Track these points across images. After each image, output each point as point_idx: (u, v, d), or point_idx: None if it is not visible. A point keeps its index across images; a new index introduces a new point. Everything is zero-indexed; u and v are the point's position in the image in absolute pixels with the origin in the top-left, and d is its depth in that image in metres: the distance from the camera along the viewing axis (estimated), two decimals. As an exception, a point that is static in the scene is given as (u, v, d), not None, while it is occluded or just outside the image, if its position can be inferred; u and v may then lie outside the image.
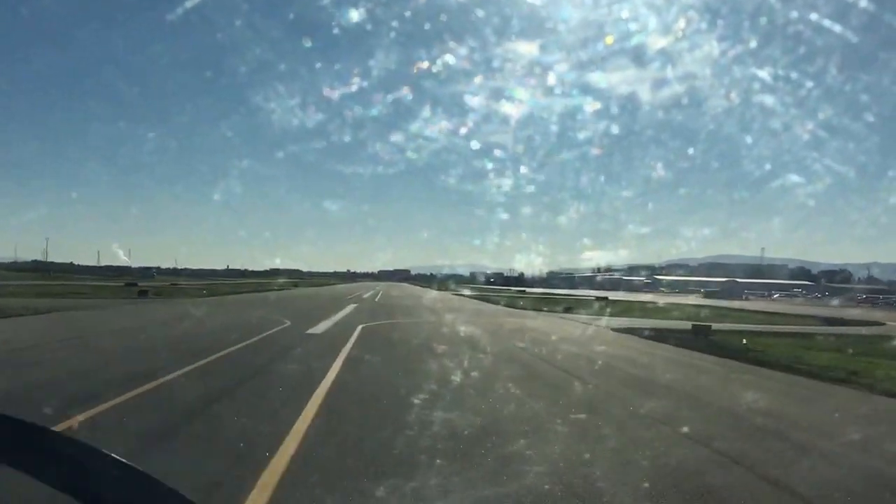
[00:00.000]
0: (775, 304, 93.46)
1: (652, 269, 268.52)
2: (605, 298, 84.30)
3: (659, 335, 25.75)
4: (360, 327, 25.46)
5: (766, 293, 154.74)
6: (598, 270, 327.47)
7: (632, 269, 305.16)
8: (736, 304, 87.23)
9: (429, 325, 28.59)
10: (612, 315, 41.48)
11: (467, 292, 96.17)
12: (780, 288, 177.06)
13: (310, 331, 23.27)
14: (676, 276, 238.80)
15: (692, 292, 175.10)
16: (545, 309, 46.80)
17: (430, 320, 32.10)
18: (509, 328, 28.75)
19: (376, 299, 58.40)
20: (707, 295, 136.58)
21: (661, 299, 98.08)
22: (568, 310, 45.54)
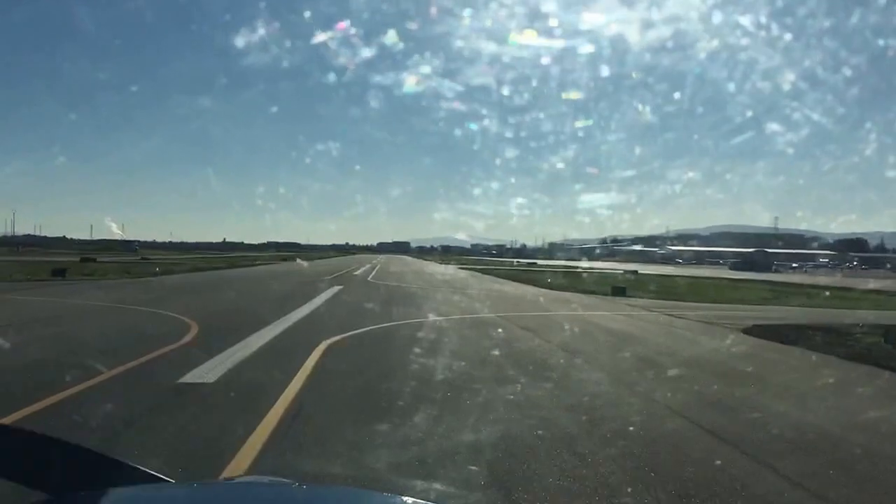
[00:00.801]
0: (828, 279, 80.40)
1: (663, 240, 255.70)
2: (635, 272, 72.11)
3: (826, 342, 15.08)
4: (321, 347, 12.60)
5: (797, 265, 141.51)
6: (605, 242, 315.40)
7: (638, 240, 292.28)
8: (791, 278, 74.54)
9: (470, 333, 15.81)
10: (683, 300, 29.78)
11: (479, 267, 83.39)
12: (803, 258, 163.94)
13: (199, 372, 10.10)
14: (687, 246, 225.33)
15: (711, 264, 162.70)
16: (595, 291, 34.04)
17: (463, 319, 19.41)
18: (609, 340, 15.88)
19: (370, 278, 45.62)
20: (733, 267, 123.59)
21: (694, 272, 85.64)
22: (619, 292, 32.93)
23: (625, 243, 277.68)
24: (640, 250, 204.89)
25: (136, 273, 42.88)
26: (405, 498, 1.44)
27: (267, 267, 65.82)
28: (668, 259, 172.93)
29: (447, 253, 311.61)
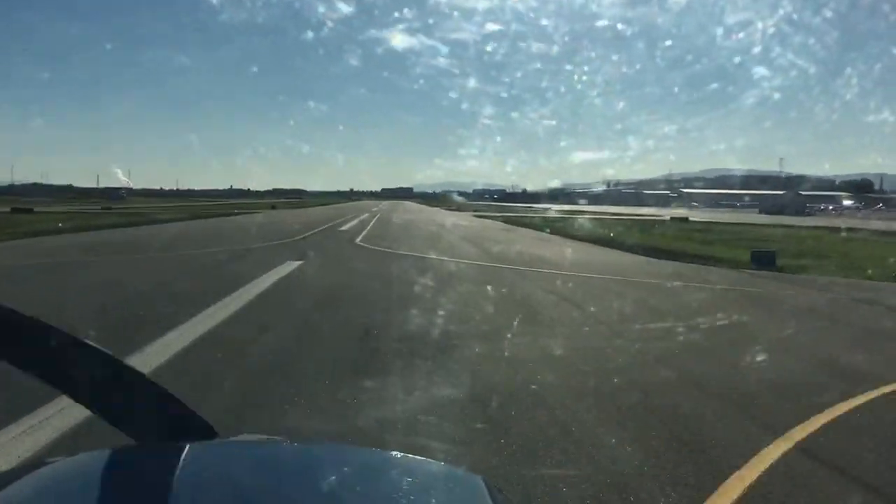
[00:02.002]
0: (884, 222, 65.56)
1: (668, 184, 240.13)
2: (686, 219, 58.32)
3: None
4: None
5: (827, 207, 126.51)
6: (609, 185, 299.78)
7: (640, 185, 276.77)
8: (851, 221, 60.06)
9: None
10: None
11: (500, 216, 68.83)
12: (823, 201, 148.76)
13: None
14: (697, 188, 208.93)
15: (729, 207, 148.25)
16: (728, 260, 19.94)
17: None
18: None
19: (359, 239, 30.29)
20: (764, 211, 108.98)
21: (738, 217, 71.48)
22: (766, 261, 18.98)
23: (628, 187, 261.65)
24: (651, 194, 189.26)
25: (28, 231, 28.57)
26: (395, 453, 1.41)
27: (235, 219, 50.06)
28: (682, 202, 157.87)
29: (449, 197, 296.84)
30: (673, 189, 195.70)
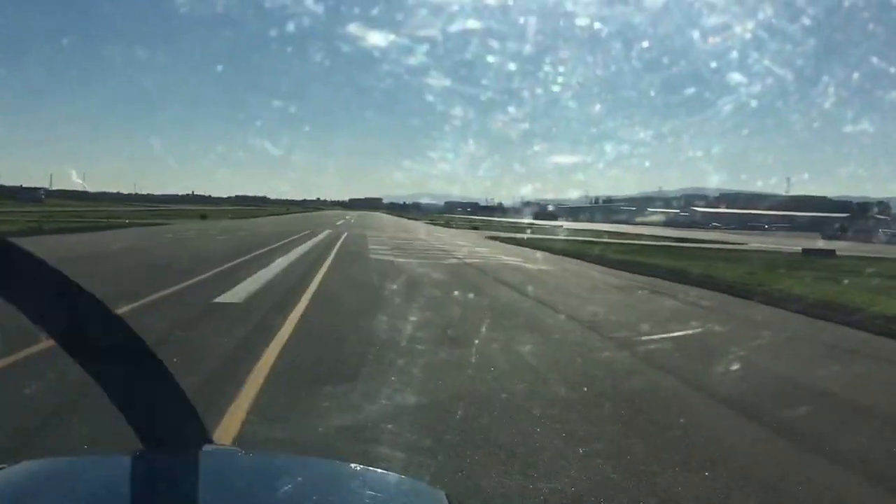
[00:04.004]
0: None
1: (665, 201, 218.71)
2: (832, 253, 34.69)
3: None
4: None
5: (874, 232, 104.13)
6: (597, 201, 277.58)
7: (633, 201, 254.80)
8: None
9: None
10: None
11: (488, 233, 44.45)
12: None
13: None
14: (693, 207, 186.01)
15: (754, 228, 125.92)
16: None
17: None
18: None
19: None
20: (828, 237, 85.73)
21: (842, 246, 48.37)
22: None
23: (619, 203, 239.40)
24: (655, 211, 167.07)
25: None
26: (355, 465, 1.39)
27: (159, 238, 24.86)
28: (695, 223, 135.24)
29: (419, 210, 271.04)
30: (684, 207, 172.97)
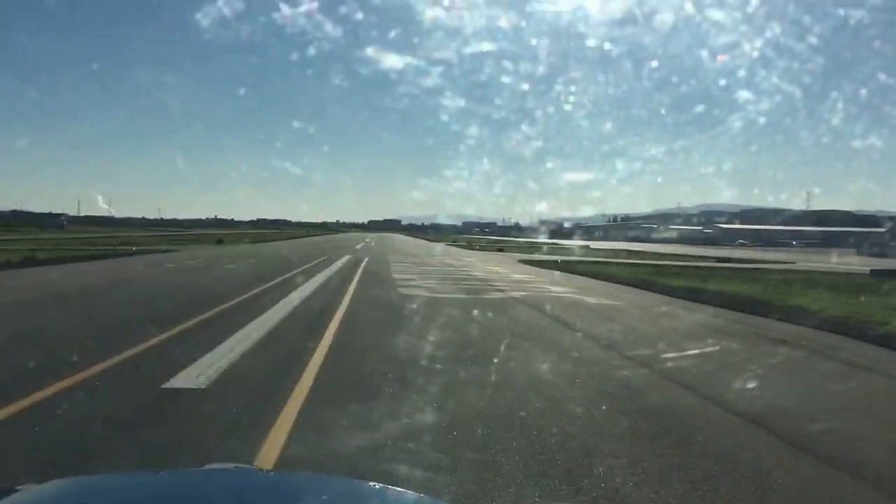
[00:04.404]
0: None
1: (685, 217, 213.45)
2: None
3: None
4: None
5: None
6: (615, 220, 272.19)
7: (650, 218, 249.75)
8: None
9: None
10: None
11: (516, 255, 40.90)
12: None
13: None
14: (713, 224, 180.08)
15: (780, 245, 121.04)
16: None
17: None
18: None
19: None
20: (869, 253, 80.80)
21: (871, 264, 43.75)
22: None
23: (637, 221, 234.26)
24: (675, 228, 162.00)
25: None
26: (372, 483, 1.35)
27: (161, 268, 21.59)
28: (719, 240, 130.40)
29: (437, 231, 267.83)
30: (706, 224, 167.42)
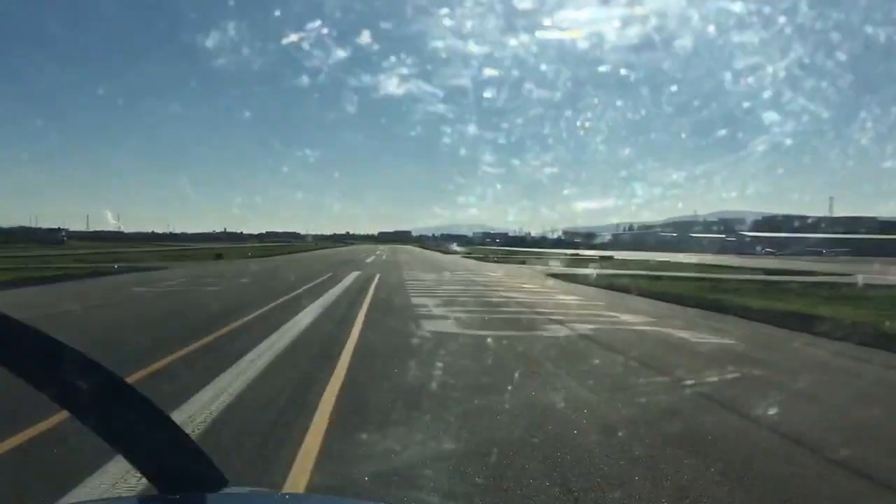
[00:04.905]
0: None
1: (703, 226, 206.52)
2: None
3: None
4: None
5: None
6: (631, 228, 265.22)
7: (665, 226, 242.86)
8: None
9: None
10: None
11: (542, 267, 35.66)
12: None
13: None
14: (729, 231, 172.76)
15: (811, 253, 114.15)
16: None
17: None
18: None
19: None
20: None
21: None
22: None
23: (656, 229, 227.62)
24: (698, 237, 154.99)
25: None
26: None
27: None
28: (745, 249, 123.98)
29: (451, 242, 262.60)
30: (729, 231, 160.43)
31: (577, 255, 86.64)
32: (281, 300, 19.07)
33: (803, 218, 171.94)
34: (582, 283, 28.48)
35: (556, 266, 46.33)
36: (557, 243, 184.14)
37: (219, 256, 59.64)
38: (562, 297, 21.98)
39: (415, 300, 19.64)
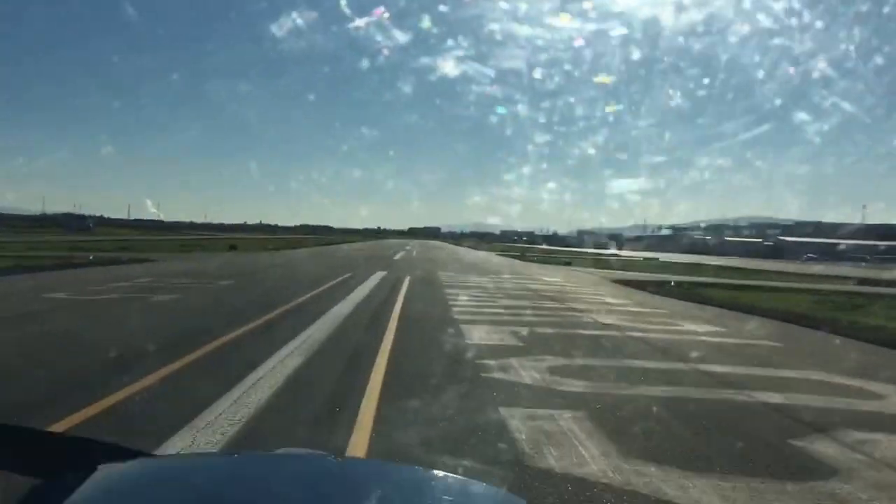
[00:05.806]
0: None
1: (735, 229, 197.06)
2: None
3: None
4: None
5: None
6: (659, 229, 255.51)
7: (697, 229, 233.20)
8: None
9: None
10: None
11: (599, 271, 29.15)
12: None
13: None
14: (764, 235, 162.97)
15: (854, 259, 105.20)
16: None
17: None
18: None
19: None
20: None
21: None
22: None
23: (686, 230, 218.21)
24: (732, 241, 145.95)
25: None
26: (437, 472, 1.31)
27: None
28: (782, 254, 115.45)
29: (481, 239, 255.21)
30: (766, 236, 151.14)
31: (618, 255, 79.69)
32: (276, 312, 12.87)
33: (838, 225, 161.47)
34: (669, 296, 21.77)
35: (612, 270, 39.59)
36: (580, 242, 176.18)
37: (232, 248, 54.02)
38: (685, 324, 14.80)
39: (463, 326, 13.07)
